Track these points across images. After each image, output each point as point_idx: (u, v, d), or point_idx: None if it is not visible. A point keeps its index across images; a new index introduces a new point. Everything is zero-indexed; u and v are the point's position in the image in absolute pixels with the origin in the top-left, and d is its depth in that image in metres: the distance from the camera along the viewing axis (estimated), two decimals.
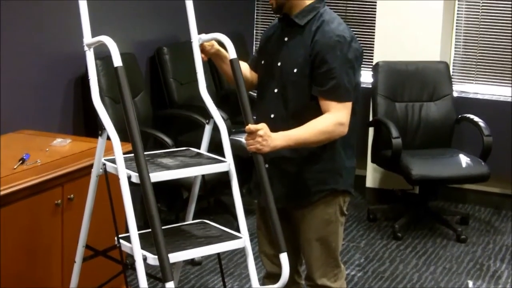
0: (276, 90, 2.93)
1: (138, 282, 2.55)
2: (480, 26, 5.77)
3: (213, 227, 2.94)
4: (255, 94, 3.10)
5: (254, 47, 6.42)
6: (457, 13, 5.79)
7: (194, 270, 4.44)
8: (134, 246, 2.55)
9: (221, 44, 2.98)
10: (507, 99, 5.62)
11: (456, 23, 5.81)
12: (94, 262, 2.99)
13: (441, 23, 5.56)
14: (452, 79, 5.59)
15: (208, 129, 3.07)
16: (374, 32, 5.83)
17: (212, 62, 3.12)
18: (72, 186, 3.37)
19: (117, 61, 2.58)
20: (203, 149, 3.06)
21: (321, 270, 3.04)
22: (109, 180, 2.77)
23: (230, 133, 2.97)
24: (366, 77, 5.83)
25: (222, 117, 2.97)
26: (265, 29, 3.33)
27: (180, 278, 4.23)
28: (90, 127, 4.41)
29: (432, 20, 5.57)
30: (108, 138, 2.66)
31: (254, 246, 3.06)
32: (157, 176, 2.65)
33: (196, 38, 2.99)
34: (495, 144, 5.09)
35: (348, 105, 2.83)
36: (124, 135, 2.60)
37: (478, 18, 5.77)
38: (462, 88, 5.86)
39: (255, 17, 6.50)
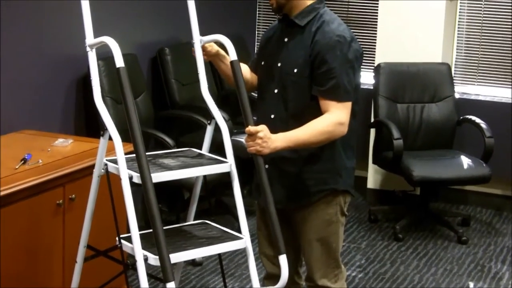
0: (276, 91, 2.93)
1: (139, 283, 2.55)
2: (482, 27, 5.77)
3: (214, 228, 2.95)
4: (255, 95, 3.10)
5: (255, 48, 6.41)
6: (459, 15, 5.79)
7: (195, 270, 4.44)
8: (135, 246, 2.56)
9: (221, 45, 2.99)
10: (508, 100, 5.62)
11: (458, 24, 5.81)
12: (95, 262, 3.00)
13: (443, 25, 5.56)
14: (454, 81, 5.59)
15: (209, 130, 3.07)
16: (375, 34, 5.83)
17: (212, 63, 3.12)
18: (74, 186, 3.37)
19: (119, 62, 2.59)
20: (205, 150, 3.06)
21: (321, 271, 3.04)
22: (110, 181, 2.77)
23: (231, 133, 2.97)
24: (367, 78, 5.84)
25: (224, 118, 2.97)
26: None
27: (181, 279, 4.23)
28: (92, 128, 4.41)
29: (434, 22, 5.57)
30: (110, 138, 2.67)
31: (255, 246, 3.06)
32: (158, 176, 2.66)
33: (198, 39, 3.00)
34: (496, 146, 5.09)
35: (348, 105, 2.83)
36: (126, 136, 2.60)
37: (480, 19, 5.76)
38: (463, 89, 5.86)
39: (257, 18, 6.50)
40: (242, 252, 3.01)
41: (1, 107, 3.84)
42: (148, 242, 2.61)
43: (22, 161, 3.32)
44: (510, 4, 5.64)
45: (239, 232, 2.84)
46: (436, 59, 5.58)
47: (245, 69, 3.07)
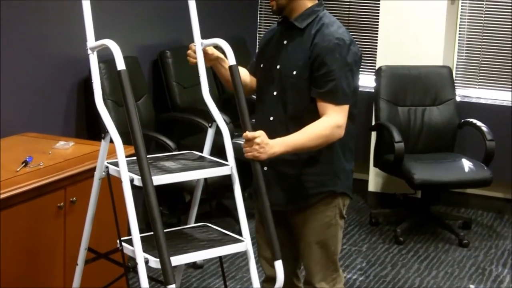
0: (275, 93, 2.94)
1: (140, 285, 2.55)
2: (483, 30, 5.78)
3: (215, 230, 2.95)
4: (255, 97, 3.10)
5: (256, 50, 6.41)
6: (460, 17, 5.79)
7: (196, 273, 4.44)
8: (136, 249, 2.56)
9: (220, 49, 2.98)
10: (510, 103, 5.62)
11: (459, 27, 5.81)
12: (96, 264, 3.00)
13: (444, 28, 5.57)
14: (455, 84, 5.59)
15: (210, 133, 3.07)
16: (377, 37, 5.83)
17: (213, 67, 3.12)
18: (75, 189, 3.38)
19: (120, 65, 2.59)
20: (206, 153, 3.06)
21: (320, 274, 3.04)
22: (111, 183, 2.77)
23: (232, 136, 2.97)
24: (368, 81, 5.84)
25: (225, 121, 2.97)
26: None
27: (182, 281, 4.23)
28: (93, 130, 4.42)
29: (435, 25, 5.57)
30: (111, 141, 2.67)
31: (256, 249, 3.06)
32: (159, 179, 2.66)
33: (199, 41, 3.00)
34: (497, 149, 5.09)
35: (346, 108, 2.84)
36: (127, 138, 2.61)
37: (481, 22, 5.77)
38: (465, 92, 5.86)
39: (258, 20, 6.51)
40: (243, 255, 3.01)
41: (2, 110, 3.84)
42: (149, 245, 2.61)
43: (23, 164, 3.32)
44: (511, 7, 5.64)
45: (240, 235, 2.84)
46: (437, 62, 5.58)
47: (244, 73, 3.07)
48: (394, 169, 5.10)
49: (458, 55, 5.87)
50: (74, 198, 3.38)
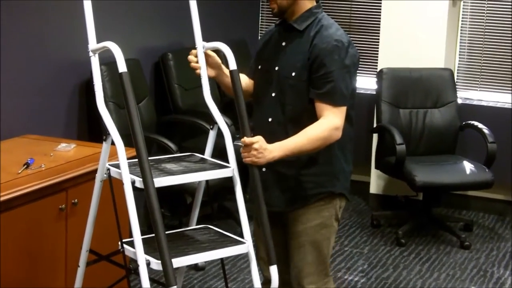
0: (273, 95, 2.94)
1: (141, 287, 2.55)
2: (485, 33, 5.78)
3: (217, 232, 2.95)
4: None
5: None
6: (462, 20, 5.80)
7: (197, 275, 4.44)
8: (138, 251, 2.56)
9: (221, 53, 2.96)
10: (511, 106, 5.61)
11: (461, 29, 5.82)
12: (98, 266, 3.00)
13: (445, 30, 5.57)
14: (456, 86, 5.59)
15: (212, 135, 3.07)
16: (378, 39, 5.83)
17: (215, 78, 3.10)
18: (76, 191, 3.38)
19: (122, 67, 2.59)
20: (207, 155, 3.06)
21: (311, 276, 3.02)
22: (113, 185, 2.77)
23: (234, 138, 2.98)
24: (370, 83, 5.84)
25: (226, 123, 2.97)
26: None
27: (184, 283, 4.23)
28: (95, 132, 4.42)
29: (437, 27, 5.57)
30: (113, 143, 2.67)
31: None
32: (161, 181, 2.66)
33: (201, 43, 2.99)
34: (499, 151, 5.09)
35: (343, 109, 2.85)
36: (128, 140, 2.61)
37: (482, 25, 5.77)
38: (466, 95, 5.86)
39: (260, 23, 6.51)
40: (245, 256, 3.01)
41: (4, 112, 3.84)
42: (151, 247, 2.61)
43: (25, 166, 3.32)
44: None
45: (241, 236, 2.84)
46: (439, 64, 5.58)
47: (243, 79, 3.06)
48: (396, 171, 5.10)
49: (459, 58, 5.87)
50: (76, 200, 3.38)
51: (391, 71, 5.46)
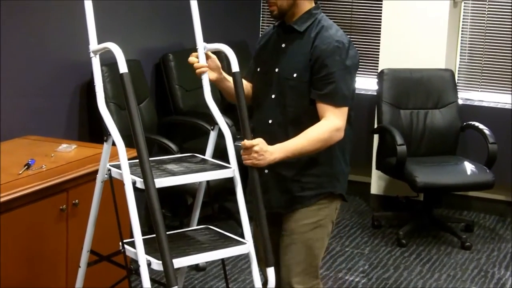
0: (273, 96, 2.94)
1: (142, 287, 2.56)
2: (485, 34, 5.78)
3: (218, 233, 2.95)
4: None
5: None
6: (463, 21, 5.80)
7: (198, 275, 4.44)
8: (139, 251, 2.56)
9: (223, 55, 2.96)
10: None
11: (462, 30, 5.82)
12: (99, 267, 3.00)
13: (446, 31, 5.57)
14: (457, 87, 5.59)
15: (213, 136, 3.07)
16: (379, 40, 5.83)
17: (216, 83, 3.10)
18: (77, 192, 3.38)
19: (123, 68, 2.59)
20: (208, 155, 3.07)
21: (300, 276, 3.01)
22: (114, 186, 2.77)
23: (234, 139, 2.97)
24: (371, 84, 5.84)
25: (227, 124, 2.97)
26: None
27: (184, 284, 4.23)
28: (95, 133, 4.42)
29: (438, 28, 5.57)
30: (113, 144, 2.67)
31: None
32: (161, 182, 2.66)
33: (202, 44, 2.99)
34: (500, 152, 5.09)
35: (345, 110, 2.85)
36: (129, 141, 2.61)
37: (483, 25, 5.77)
38: (467, 95, 5.86)
39: (260, 23, 6.51)
40: (245, 257, 3.02)
41: (5, 113, 3.85)
42: (152, 247, 2.61)
43: (26, 167, 3.33)
44: None
45: (242, 237, 2.84)
46: (440, 65, 5.58)
47: (244, 84, 3.05)
48: (397, 172, 5.10)
49: (460, 58, 5.87)
50: (77, 201, 3.38)
51: (392, 71, 5.46)
